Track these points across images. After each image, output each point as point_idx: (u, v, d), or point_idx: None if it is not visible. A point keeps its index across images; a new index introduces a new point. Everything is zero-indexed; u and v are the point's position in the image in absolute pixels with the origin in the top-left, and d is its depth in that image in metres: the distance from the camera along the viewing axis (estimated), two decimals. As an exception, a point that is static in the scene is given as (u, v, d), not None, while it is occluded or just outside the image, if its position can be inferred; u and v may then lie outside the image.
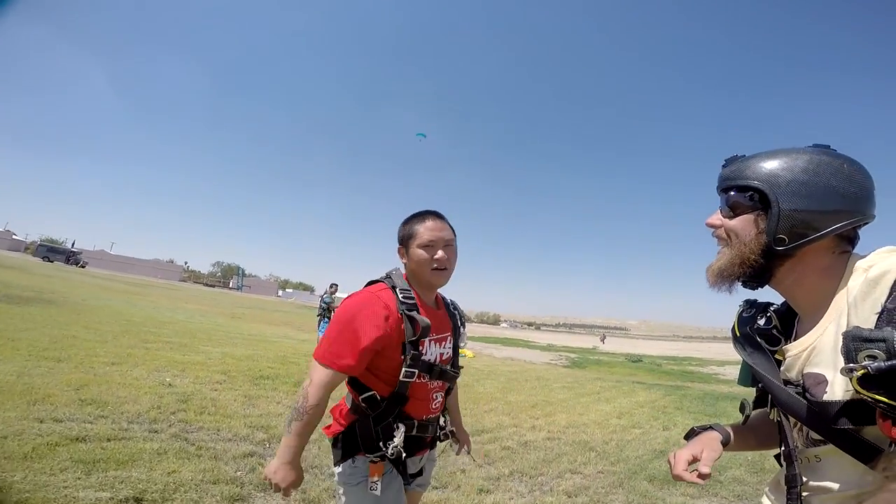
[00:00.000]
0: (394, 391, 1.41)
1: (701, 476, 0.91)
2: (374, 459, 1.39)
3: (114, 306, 13.97)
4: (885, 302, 0.73)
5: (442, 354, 1.52)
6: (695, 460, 0.97)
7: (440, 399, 1.56)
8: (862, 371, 0.66)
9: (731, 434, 1.07)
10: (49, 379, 4.55)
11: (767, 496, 1.03)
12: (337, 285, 12.24)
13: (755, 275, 0.92)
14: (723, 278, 0.94)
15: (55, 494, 2.32)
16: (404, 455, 1.39)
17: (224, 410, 4.45)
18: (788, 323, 0.97)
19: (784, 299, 0.98)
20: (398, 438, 1.37)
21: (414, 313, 1.39)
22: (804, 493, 0.88)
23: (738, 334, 1.01)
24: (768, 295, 1.01)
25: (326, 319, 11.28)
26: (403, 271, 1.55)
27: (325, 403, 1.37)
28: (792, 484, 0.89)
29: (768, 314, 0.99)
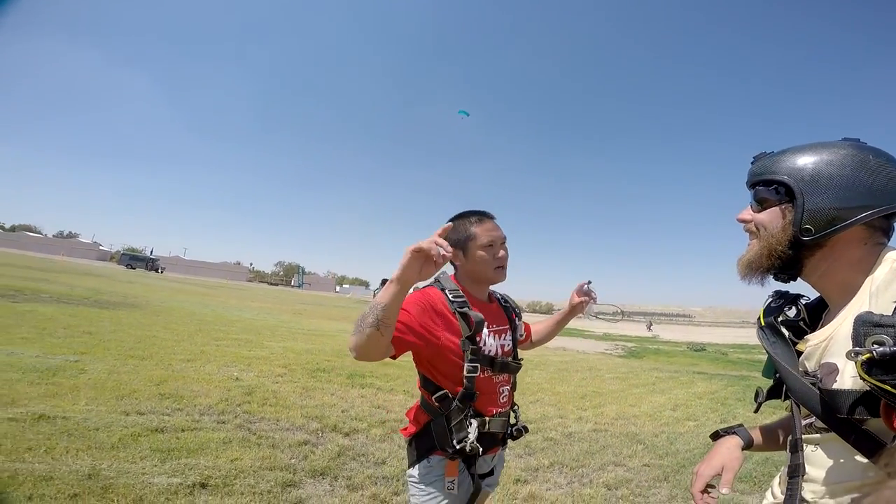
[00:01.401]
0: (463, 388, 1.42)
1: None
2: (452, 457, 1.41)
3: (189, 308, 15.25)
4: None
5: (503, 346, 1.56)
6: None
7: (507, 393, 1.57)
8: (867, 355, 0.65)
9: (755, 437, 1.10)
10: (134, 376, 5.12)
11: (772, 490, 1.04)
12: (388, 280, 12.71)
13: (784, 266, 0.93)
14: (752, 270, 0.96)
15: (134, 480, 2.66)
16: (480, 450, 1.40)
17: (283, 402, 4.81)
18: (818, 316, 0.97)
19: (817, 293, 0.99)
20: (472, 434, 1.39)
21: (466, 309, 1.45)
22: (804, 483, 0.89)
23: (762, 324, 1.02)
24: (801, 288, 1.01)
25: None
26: (450, 273, 1.60)
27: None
28: (794, 473, 0.90)
29: (798, 306, 1.00)
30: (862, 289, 0.83)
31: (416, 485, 1.45)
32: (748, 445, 1.09)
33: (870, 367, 0.65)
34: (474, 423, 1.41)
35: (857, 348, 0.67)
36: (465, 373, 1.41)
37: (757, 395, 1.08)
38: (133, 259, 65.43)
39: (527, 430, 1.64)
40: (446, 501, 1.41)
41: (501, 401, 1.53)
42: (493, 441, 1.51)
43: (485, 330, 1.49)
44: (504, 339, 1.57)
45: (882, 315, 0.68)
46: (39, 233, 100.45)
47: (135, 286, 23.02)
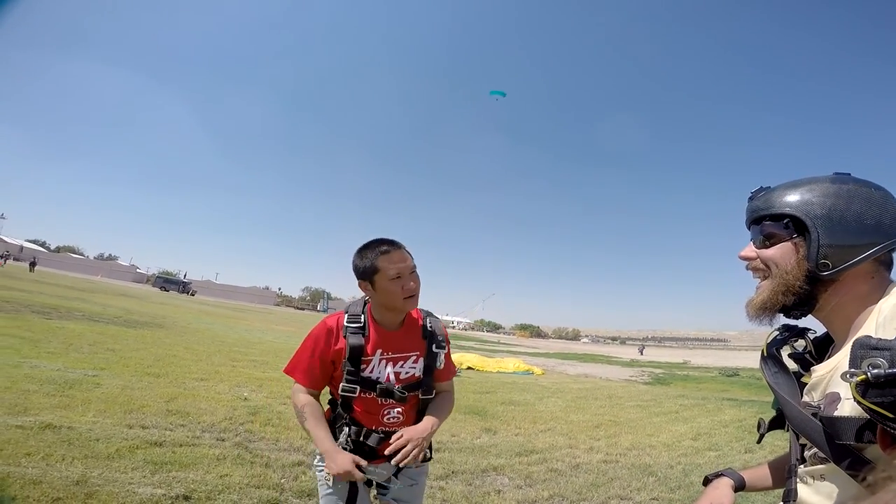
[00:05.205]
0: (339, 401, 1.63)
1: None
2: None
3: (213, 329, 15.64)
4: None
5: (398, 374, 1.63)
6: None
7: (396, 415, 1.63)
8: (862, 377, 0.65)
9: (747, 478, 1.10)
10: (147, 392, 5.25)
11: None
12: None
13: (800, 302, 0.91)
14: (766, 310, 0.94)
15: (119, 489, 2.71)
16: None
17: (286, 423, 4.81)
18: (825, 349, 0.97)
19: (824, 328, 0.99)
20: (342, 437, 1.57)
21: (354, 336, 1.58)
22: None
23: (765, 355, 1.02)
24: (810, 322, 1.01)
25: None
26: (368, 300, 1.68)
27: (310, 399, 1.62)
28: (787, 498, 0.90)
29: (805, 339, 1.00)
30: (868, 321, 0.83)
31: (314, 467, 1.71)
32: (740, 487, 1.08)
33: (865, 389, 0.65)
34: (346, 430, 1.57)
35: (853, 370, 0.67)
36: (339, 391, 1.58)
37: (759, 425, 1.08)
38: (167, 282, 67.91)
39: (428, 459, 1.67)
40: (326, 488, 1.58)
41: (387, 420, 1.61)
42: (372, 453, 1.58)
43: (376, 355, 1.60)
44: (401, 366, 1.63)
45: (880, 339, 0.67)
46: (81, 254, 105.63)
47: (165, 307, 23.80)
